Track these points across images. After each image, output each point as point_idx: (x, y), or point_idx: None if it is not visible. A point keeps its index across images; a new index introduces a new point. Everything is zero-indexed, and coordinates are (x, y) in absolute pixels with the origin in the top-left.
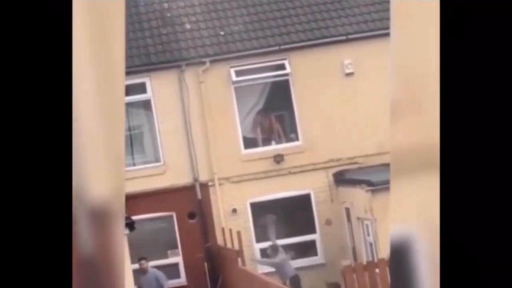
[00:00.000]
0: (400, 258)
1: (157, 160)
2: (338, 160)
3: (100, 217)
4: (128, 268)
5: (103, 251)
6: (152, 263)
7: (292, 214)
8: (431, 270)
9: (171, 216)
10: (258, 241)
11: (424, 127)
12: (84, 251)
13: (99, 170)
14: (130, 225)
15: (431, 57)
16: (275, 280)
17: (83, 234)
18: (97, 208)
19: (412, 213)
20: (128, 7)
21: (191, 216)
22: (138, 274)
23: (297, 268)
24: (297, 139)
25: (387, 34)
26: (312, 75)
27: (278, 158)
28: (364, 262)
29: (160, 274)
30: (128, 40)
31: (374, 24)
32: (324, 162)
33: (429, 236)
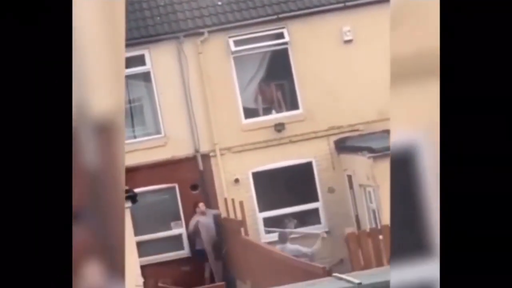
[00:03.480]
0: (401, 163)
1: (158, 132)
2: (339, 127)
3: (101, 131)
4: (131, 240)
5: (104, 164)
6: (156, 235)
7: (294, 183)
8: (432, 174)
9: (174, 188)
10: (261, 210)
11: (424, 33)
12: (85, 165)
13: (99, 84)
14: (133, 197)
15: None
16: (277, 249)
17: (83, 148)
18: (98, 122)
19: (413, 119)
20: None
21: (194, 187)
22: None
23: (301, 237)
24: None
25: (385, 0)
26: (311, 43)
27: (279, 127)
28: (368, 229)
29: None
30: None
31: None
32: (325, 130)
33: (429, 141)
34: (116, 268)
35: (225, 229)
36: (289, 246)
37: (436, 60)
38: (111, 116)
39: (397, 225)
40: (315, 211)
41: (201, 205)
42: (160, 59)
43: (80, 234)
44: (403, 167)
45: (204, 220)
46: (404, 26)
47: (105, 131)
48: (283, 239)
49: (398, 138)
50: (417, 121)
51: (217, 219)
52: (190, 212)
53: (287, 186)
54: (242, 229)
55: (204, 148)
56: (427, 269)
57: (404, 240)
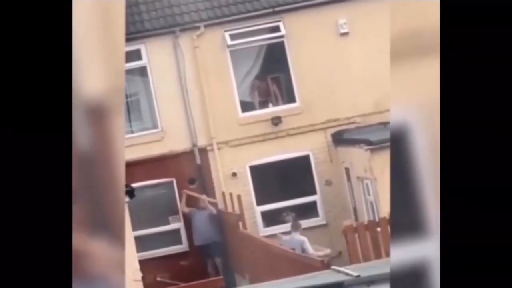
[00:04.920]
0: (400, 142)
1: (155, 126)
2: (336, 120)
3: (100, 113)
4: (129, 235)
5: (103, 147)
6: (154, 229)
7: (292, 176)
8: (431, 152)
9: (171, 182)
10: (258, 204)
11: (424, 12)
12: (84, 148)
13: (98, 66)
14: (130, 192)
15: None
16: (275, 243)
17: (82, 131)
18: (96, 104)
19: (412, 98)
20: None
21: (191, 181)
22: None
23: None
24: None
25: None
26: (307, 36)
27: (276, 120)
28: (366, 222)
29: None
30: None
31: None
32: (322, 123)
33: (429, 119)
34: (116, 246)
35: (223, 223)
36: (297, 236)
37: (436, 38)
38: (109, 96)
39: (397, 204)
40: (313, 204)
41: (203, 198)
42: (156, 54)
43: (80, 214)
44: (402, 145)
45: (199, 215)
46: (404, 4)
47: (104, 112)
48: (295, 227)
49: (397, 116)
50: (416, 99)
51: (211, 217)
52: (188, 206)
53: (285, 180)
54: (240, 223)
55: (201, 142)
56: (427, 247)
57: (403, 218)
